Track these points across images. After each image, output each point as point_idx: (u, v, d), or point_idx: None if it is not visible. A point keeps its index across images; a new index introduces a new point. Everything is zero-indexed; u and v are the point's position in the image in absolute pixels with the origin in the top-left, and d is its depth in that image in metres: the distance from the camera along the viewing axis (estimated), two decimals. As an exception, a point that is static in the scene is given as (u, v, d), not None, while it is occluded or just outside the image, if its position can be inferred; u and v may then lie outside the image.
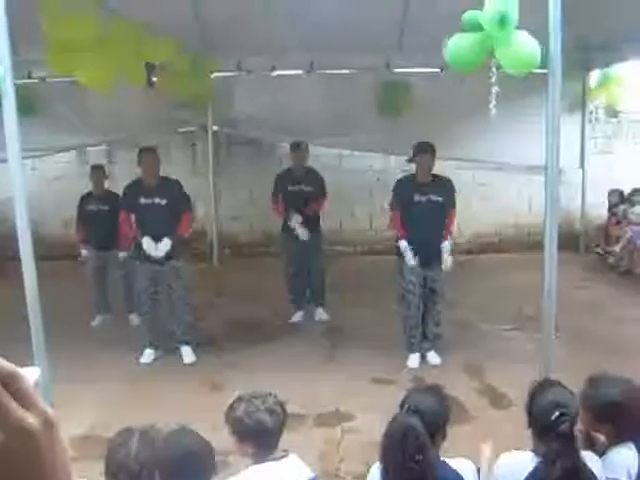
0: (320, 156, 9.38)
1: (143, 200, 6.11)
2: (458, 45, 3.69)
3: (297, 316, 7.38)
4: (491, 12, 3.42)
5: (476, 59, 3.71)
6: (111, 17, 5.40)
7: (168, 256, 6.13)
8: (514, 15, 3.45)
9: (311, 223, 7.19)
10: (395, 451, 2.51)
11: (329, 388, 5.64)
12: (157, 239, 6.06)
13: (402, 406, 2.72)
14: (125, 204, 6.30)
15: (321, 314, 7.40)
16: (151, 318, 6.36)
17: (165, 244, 6.06)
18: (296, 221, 6.99)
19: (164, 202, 6.12)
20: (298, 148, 7.31)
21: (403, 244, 6.03)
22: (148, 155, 6.28)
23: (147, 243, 6.05)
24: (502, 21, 3.42)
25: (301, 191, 7.14)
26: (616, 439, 2.77)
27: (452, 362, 6.14)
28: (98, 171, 7.43)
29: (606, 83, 9.37)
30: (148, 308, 6.33)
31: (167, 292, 6.30)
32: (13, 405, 0.65)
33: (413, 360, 6.18)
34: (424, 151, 5.95)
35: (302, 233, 7.00)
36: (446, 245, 6.01)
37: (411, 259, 5.98)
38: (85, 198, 7.34)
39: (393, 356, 6.20)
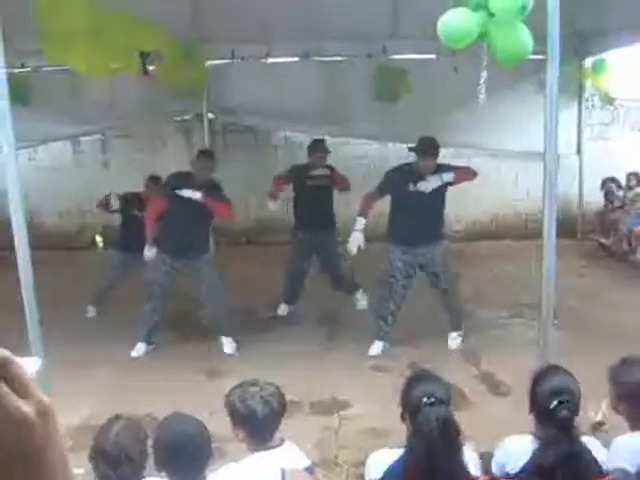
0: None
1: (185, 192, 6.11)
2: (453, 18, 3.65)
3: (282, 309, 7.30)
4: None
5: (469, 36, 3.66)
6: (102, 6, 5.35)
7: (200, 250, 6.21)
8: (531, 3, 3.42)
9: (327, 218, 7.19)
10: (432, 444, 2.49)
11: (326, 376, 5.64)
12: (187, 234, 6.07)
13: (406, 398, 2.70)
14: (166, 193, 6.26)
15: (360, 302, 7.32)
16: (157, 313, 6.31)
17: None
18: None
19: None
20: (319, 146, 7.15)
21: (361, 221, 6.06)
22: (205, 159, 6.32)
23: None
24: (522, 8, 3.39)
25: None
26: (633, 423, 2.77)
27: (450, 349, 6.16)
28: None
29: (600, 70, 9.33)
30: (156, 303, 6.27)
31: (203, 286, 6.25)
32: (8, 393, 0.63)
33: (375, 347, 6.15)
34: (425, 151, 5.83)
35: None
36: None
37: (356, 242, 6.00)
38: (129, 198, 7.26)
39: (390, 344, 6.19)
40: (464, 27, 3.64)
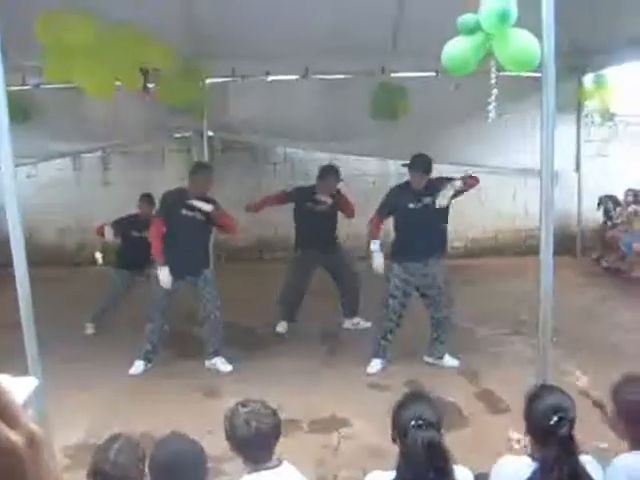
0: (316, 160, 9.37)
1: (184, 211, 6.10)
2: (454, 48, 3.68)
3: (282, 326, 7.26)
4: (493, 8, 3.41)
5: (472, 61, 3.69)
6: (106, 23, 5.38)
7: (201, 267, 6.21)
8: (514, 11, 3.44)
9: (330, 237, 7.25)
10: (419, 467, 2.47)
11: (324, 394, 5.62)
12: (189, 252, 6.07)
13: (396, 419, 2.68)
14: (164, 212, 6.21)
15: (360, 322, 7.29)
16: (156, 334, 6.29)
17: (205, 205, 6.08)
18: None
19: (203, 217, 6.16)
20: (330, 173, 7.17)
21: (375, 242, 6.14)
22: (202, 172, 6.29)
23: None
24: (502, 16, 3.41)
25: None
26: (632, 441, 2.75)
27: (448, 367, 6.14)
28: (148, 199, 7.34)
29: (599, 87, 9.38)
30: (157, 323, 6.26)
31: (201, 303, 6.29)
32: None
33: (373, 365, 6.15)
34: (417, 168, 5.94)
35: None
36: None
37: (379, 262, 6.10)
38: (127, 220, 7.31)
39: (388, 362, 6.18)
40: (465, 55, 3.67)
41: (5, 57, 3.65)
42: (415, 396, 2.88)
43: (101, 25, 5.26)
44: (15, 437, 0.64)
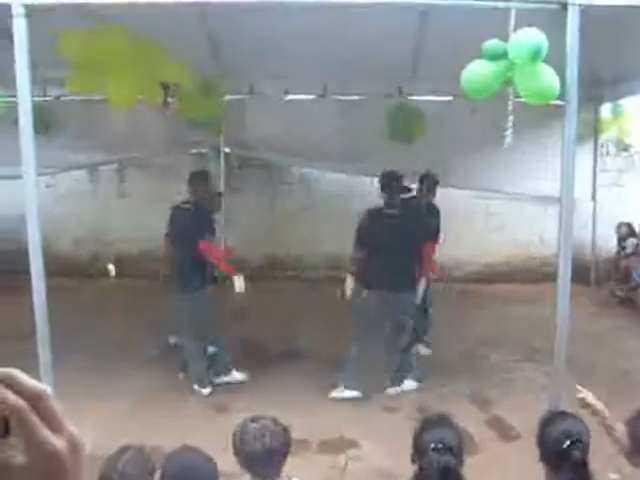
0: (334, 182, 9.41)
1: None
2: (475, 71, 3.70)
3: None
4: (526, 43, 3.43)
5: (492, 87, 3.71)
6: (130, 38, 5.44)
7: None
8: (545, 48, 3.46)
9: None
10: None
11: (333, 414, 5.59)
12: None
13: (417, 441, 2.67)
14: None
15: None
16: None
17: None
18: None
19: None
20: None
21: None
22: (201, 178, 6.68)
23: None
24: (536, 52, 3.43)
25: None
26: None
27: (459, 392, 6.08)
28: None
29: (617, 117, 9.39)
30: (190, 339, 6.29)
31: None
32: (41, 427, 0.64)
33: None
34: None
35: None
36: None
37: None
38: None
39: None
40: (486, 79, 3.69)
41: (34, 71, 3.70)
42: (438, 420, 2.86)
43: (125, 39, 5.33)
44: (58, 442, 0.65)
